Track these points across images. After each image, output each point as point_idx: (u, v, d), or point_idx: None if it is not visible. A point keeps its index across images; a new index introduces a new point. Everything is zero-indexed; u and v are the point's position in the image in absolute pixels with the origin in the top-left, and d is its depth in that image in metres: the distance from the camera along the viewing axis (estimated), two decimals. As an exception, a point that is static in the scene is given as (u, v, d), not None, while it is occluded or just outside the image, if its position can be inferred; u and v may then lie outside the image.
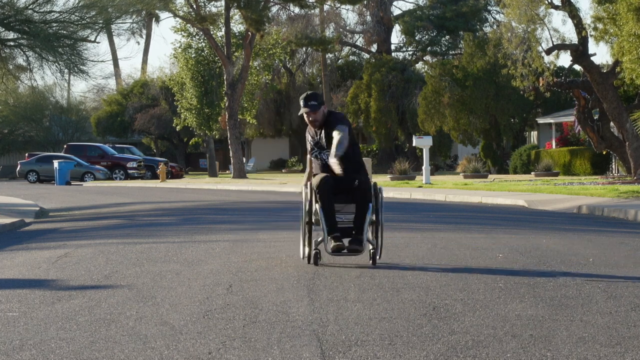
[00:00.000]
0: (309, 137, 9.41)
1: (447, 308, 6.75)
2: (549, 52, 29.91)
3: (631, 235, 12.71)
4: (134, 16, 39.25)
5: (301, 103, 9.22)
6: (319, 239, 8.96)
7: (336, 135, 8.93)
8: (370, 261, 8.97)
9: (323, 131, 9.22)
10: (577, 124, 33.77)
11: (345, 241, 8.89)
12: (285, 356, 5.34)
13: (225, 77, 46.55)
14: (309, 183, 9.25)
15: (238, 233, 13.47)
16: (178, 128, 55.63)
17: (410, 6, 61.49)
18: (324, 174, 9.08)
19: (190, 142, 64.77)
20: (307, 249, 9.13)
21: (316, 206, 9.01)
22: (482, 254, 10.04)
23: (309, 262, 9.05)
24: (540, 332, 5.89)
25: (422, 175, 32.98)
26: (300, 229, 9.44)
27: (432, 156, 46.00)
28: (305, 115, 9.23)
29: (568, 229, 13.96)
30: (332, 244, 8.76)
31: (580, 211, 18.13)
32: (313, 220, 9.05)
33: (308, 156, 9.56)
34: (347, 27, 61.23)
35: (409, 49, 59.78)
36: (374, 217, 9.05)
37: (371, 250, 8.98)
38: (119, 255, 10.74)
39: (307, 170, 9.60)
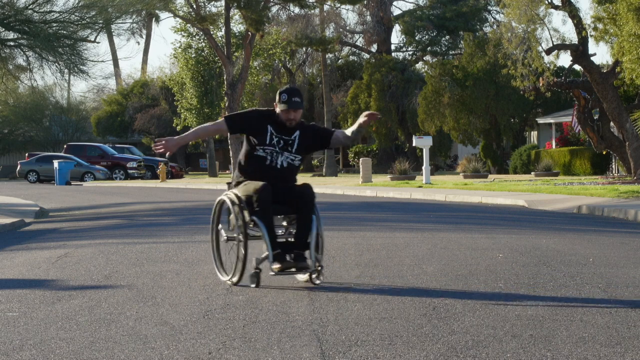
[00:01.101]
0: (269, 127, 8.05)
1: (447, 308, 6.75)
2: (549, 52, 29.91)
3: (631, 235, 12.71)
4: (134, 16, 39.28)
5: (282, 97, 7.98)
6: (261, 257, 7.75)
7: (342, 131, 8.26)
8: (314, 278, 7.78)
9: (298, 132, 8.08)
10: (576, 123, 33.75)
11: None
12: (285, 356, 5.34)
13: (225, 77, 46.56)
14: (232, 193, 8.01)
15: (238, 233, 13.45)
16: (178, 128, 55.63)
17: (410, 6, 61.50)
18: (261, 182, 7.81)
19: (191, 142, 64.77)
20: (237, 272, 7.86)
21: (251, 219, 7.79)
22: (482, 254, 10.04)
23: (236, 283, 7.87)
24: (540, 332, 5.89)
25: (422, 175, 32.98)
26: (210, 244, 8.40)
27: (432, 156, 46.01)
28: (283, 113, 8.00)
29: (568, 229, 13.96)
30: (277, 263, 7.59)
31: (580, 211, 18.13)
32: (241, 237, 7.83)
33: (244, 151, 8.20)
34: (347, 27, 61.21)
35: (409, 49, 59.77)
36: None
37: (318, 267, 7.75)
38: (119, 255, 10.74)
39: (237, 171, 8.27)
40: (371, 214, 18.20)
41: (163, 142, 8.26)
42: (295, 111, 8.00)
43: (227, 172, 60.93)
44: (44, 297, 7.63)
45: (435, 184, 30.94)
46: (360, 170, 35.05)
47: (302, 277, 7.91)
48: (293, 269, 7.63)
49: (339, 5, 52.14)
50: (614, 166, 37.41)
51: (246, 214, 7.77)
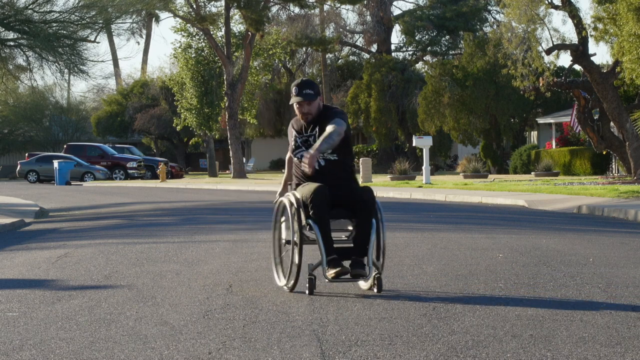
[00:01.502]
0: (293, 133, 7.76)
1: (447, 308, 6.75)
2: (549, 52, 29.91)
3: (631, 235, 12.71)
4: (134, 16, 39.27)
5: (293, 91, 7.60)
6: (315, 263, 7.39)
7: (329, 127, 7.44)
8: (375, 288, 7.34)
9: (317, 128, 7.62)
10: (575, 122, 33.74)
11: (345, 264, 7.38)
12: (285, 356, 5.34)
13: (225, 77, 46.56)
14: (292, 194, 7.60)
15: (238, 233, 13.47)
16: (178, 128, 55.63)
17: (410, 6, 61.51)
18: (317, 184, 7.43)
19: (190, 142, 64.77)
20: (291, 277, 7.50)
21: (307, 222, 7.40)
22: (482, 254, 10.04)
23: (292, 289, 7.54)
24: (540, 332, 5.89)
25: (422, 175, 32.98)
26: (272, 250, 8.02)
27: (432, 156, 46.01)
28: (296, 106, 7.62)
29: (568, 229, 13.96)
30: (331, 269, 7.21)
31: (580, 211, 18.13)
32: (296, 240, 7.42)
33: (288, 157, 7.94)
34: (347, 27, 61.22)
35: (409, 49, 59.77)
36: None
37: (376, 275, 7.35)
38: (119, 255, 10.74)
39: (285, 175, 8.03)
40: (371, 214, 18.16)
41: (316, 158, 7.38)
42: (309, 103, 7.53)
43: (227, 172, 60.92)
44: (44, 297, 7.63)
45: (435, 184, 30.95)
46: (360, 170, 35.04)
47: (364, 285, 7.49)
48: (348, 276, 7.23)
49: (339, 5, 52.17)
50: (614, 166, 37.41)
51: (303, 216, 7.38)
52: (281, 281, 7.69)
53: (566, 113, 43.82)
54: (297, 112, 7.64)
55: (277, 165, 66.69)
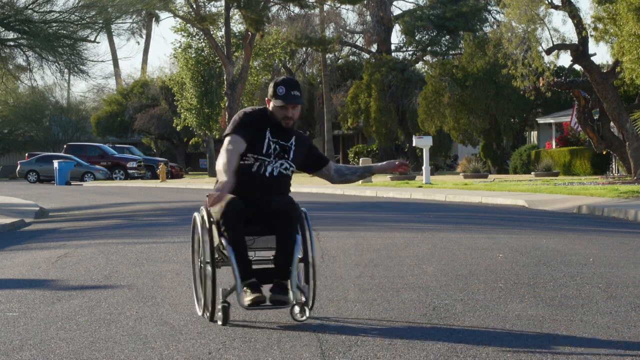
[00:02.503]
0: (267, 131, 6.50)
1: (447, 308, 6.75)
2: (549, 52, 29.91)
3: (631, 235, 12.71)
4: (134, 16, 39.26)
5: (278, 90, 6.45)
6: (228, 288, 6.34)
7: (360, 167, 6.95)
8: (298, 314, 6.22)
9: (294, 138, 6.57)
10: (575, 122, 33.73)
11: (265, 289, 6.29)
12: (285, 356, 5.34)
13: (225, 77, 46.56)
14: (204, 209, 6.46)
15: (238, 233, 13.44)
16: (178, 128, 55.63)
17: (410, 6, 61.48)
18: (229, 197, 6.26)
19: (190, 142, 64.78)
20: (207, 303, 6.40)
21: (220, 241, 6.33)
22: (482, 254, 10.04)
23: (211, 319, 6.36)
24: (540, 332, 5.89)
25: (422, 175, 32.97)
26: (192, 273, 6.80)
27: (432, 156, 45.98)
28: (278, 110, 6.46)
29: (568, 229, 13.96)
30: (248, 295, 6.15)
31: (580, 211, 18.13)
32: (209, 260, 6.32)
33: (225, 158, 6.35)
34: (347, 27, 61.20)
35: (409, 49, 59.76)
36: (300, 254, 6.36)
37: (302, 300, 6.26)
38: (119, 255, 10.74)
39: (233, 166, 6.36)
40: (371, 214, 18.20)
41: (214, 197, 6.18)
42: (294, 107, 6.48)
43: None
44: (44, 297, 7.63)
45: (435, 184, 30.95)
46: (360, 170, 34.98)
47: (295, 314, 6.31)
48: (267, 303, 6.16)
49: (339, 5, 52.17)
50: (614, 166, 37.41)
51: (215, 234, 6.33)
52: (200, 310, 6.57)
53: (566, 113, 43.82)
54: (278, 113, 6.46)
55: (277, 165, 66.63)
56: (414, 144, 33.44)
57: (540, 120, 47.82)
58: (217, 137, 56.14)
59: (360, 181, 33.83)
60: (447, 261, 9.49)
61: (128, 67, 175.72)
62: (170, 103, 59.07)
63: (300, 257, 6.34)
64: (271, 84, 6.53)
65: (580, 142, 42.12)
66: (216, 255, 6.39)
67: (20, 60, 29.52)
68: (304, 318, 6.23)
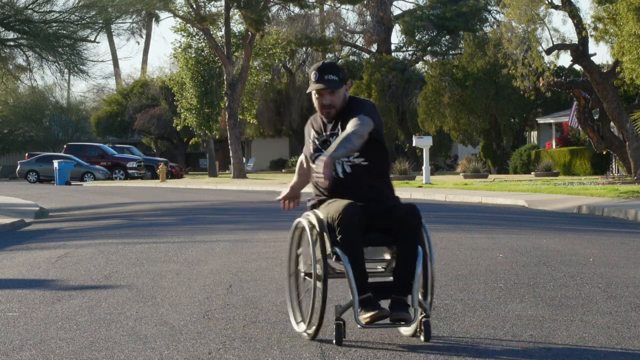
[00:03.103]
0: (312, 132, 5.94)
1: (447, 308, 6.75)
2: (549, 52, 29.91)
3: (631, 235, 12.71)
4: (134, 16, 39.25)
5: (312, 76, 5.78)
6: (344, 304, 5.59)
7: (349, 126, 5.70)
8: (422, 335, 5.63)
9: (340, 125, 5.83)
10: (575, 121, 33.72)
11: (383, 305, 5.60)
12: (285, 356, 5.34)
13: (225, 77, 46.55)
14: (312, 214, 5.80)
15: (238, 233, 13.46)
16: (178, 128, 55.61)
17: (410, 6, 61.50)
18: (346, 201, 5.65)
19: (190, 142, 64.77)
20: (313, 321, 5.69)
21: (332, 250, 5.62)
22: (482, 254, 10.04)
23: (314, 337, 5.73)
24: (540, 332, 5.88)
25: (422, 175, 32.97)
26: (286, 286, 6.13)
27: (432, 156, 45.98)
28: (316, 97, 5.80)
29: (568, 229, 13.96)
30: (365, 312, 5.47)
31: (580, 211, 18.13)
32: (319, 274, 5.63)
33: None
34: (347, 27, 61.21)
35: (409, 49, 59.77)
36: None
37: (423, 319, 5.63)
38: (119, 255, 10.74)
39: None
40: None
41: (329, 168, 5.54)
42: (332, 93, 5.73)
43: (227, 172, 60.89)
44: (44, 297, 7.63)
45: (435, 184, 30.95)
46: (360, 170, 34.99)
47: (407, 330, 5.79)
48: (387, 320, 5.52)
49: (339, 5, 52.16)
50: (614, 166, 37.41)
51: (327, 242, 5.63)
52: (299, 326, 5.91)
53: (566, 113, 43.82)
54: (315, 104, 5.83)
55: (277, 165, 66.69)
56: (414, 144, 33.44)
57: (540, 120, 47.83)
58: (217, 137, 56.15)
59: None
60: (447, 261, 9.49)
61: (128, 67, 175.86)
62: (170, 103, 59.06)
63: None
64: (310, 70, 5.85)
65: (580, 142, 42.13)
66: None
67: (20, 60, 29.53)
68: (425, 340, 5.60)
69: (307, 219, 5.80)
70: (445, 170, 55.17)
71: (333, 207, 5.63)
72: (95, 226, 16.38)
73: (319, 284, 5.60)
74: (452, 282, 8.04)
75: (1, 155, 70.04)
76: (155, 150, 68.64)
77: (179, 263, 9.80)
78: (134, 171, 51.04)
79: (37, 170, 50.78)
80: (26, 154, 56.14)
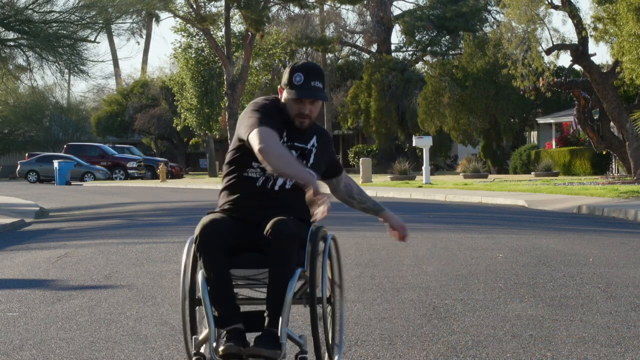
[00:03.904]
0: (284, 134, 4.80)
1: (447, 308, 6.75)
2: (549, 52, 29.91)
3: (631, 235, 12.71)
4: (134, 16, 39.24)
5: (295, 79, 4.74)
6: (201, 336, 4.61)
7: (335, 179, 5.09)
8: None
9: (315, 139, 4.87)
10: (575, 121, 33.73)
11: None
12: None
13: (225, 77, 46.55)
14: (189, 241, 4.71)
15: (238, 233, 13.44)
16: (178, 128, 55.62)
17: (410, 6, 61.48)
18: (214, 215, 4.76)
19: (190, 142, 64.76)
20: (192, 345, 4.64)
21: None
22: (482, 254, 10.04)
23: None
24: (540, 332, 5.89)
25: (422, 175, 32.97)
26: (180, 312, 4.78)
27: (432, 156, 45.99)
28: (293, 104, 4.76)
29: (568, 229, 13.96)
30: (221, 345, 4.51)
31: (580, 211, 18.13)
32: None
33: (230, 165, 4.88)
34: (347, 27, 61.20)
35: (409, 49, 59.76)
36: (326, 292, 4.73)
37: (299, 356, 4.66)
38: (119, 255, 10.74)
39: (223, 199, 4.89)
40: (371, 214, 18.17)
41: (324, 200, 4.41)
42: (313, 103, 4.77)
43: (227, 172, 60.84)
44: (44, 297, 7.63)
45: (435, 184, 30.95)
46: (360, 170, 35.03)
47: None
48: (246, 357, 4.50)
49: (339, 5, 52.13)
50: (614, 166, 37.41)
51: (200, 263, 4.64)
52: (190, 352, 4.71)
53: (566, 113, 43.84)
54: (289, 108, 4.77)
55: (277, 165, 66.60)
56: (414, 144, 33.44)
57: (540, 120, 47.82)
58: (217, 137, 56.15)
59: (360, 181, 33.80)
60: (447, 261, 9.49)
61: (128, 67, 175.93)
62: (170, 103, 59.07)
63: (319, 297, 4.67)
64: (287, 68, 4.81)
65: (580, 142, 42.13)
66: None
67: (21, 60, 29.53)
68: None
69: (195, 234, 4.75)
70: (445, 170, 55.17)
71: (201, 223, 4.66)
72: (96, 226, 16.38)
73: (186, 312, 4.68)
74: (452, 282, 8.04)
75: (1, 155, 70.04)
76: (155, 150, 68.64)
77: (178, 263, 9.79)
78: (134, 171, 51.04)
79: (37, 170, 50.78)
80: (26, 154, 56.13)
